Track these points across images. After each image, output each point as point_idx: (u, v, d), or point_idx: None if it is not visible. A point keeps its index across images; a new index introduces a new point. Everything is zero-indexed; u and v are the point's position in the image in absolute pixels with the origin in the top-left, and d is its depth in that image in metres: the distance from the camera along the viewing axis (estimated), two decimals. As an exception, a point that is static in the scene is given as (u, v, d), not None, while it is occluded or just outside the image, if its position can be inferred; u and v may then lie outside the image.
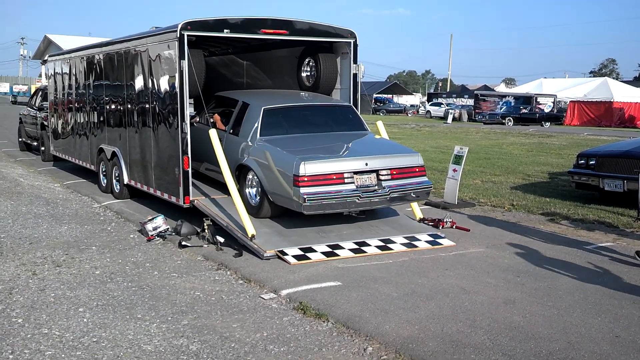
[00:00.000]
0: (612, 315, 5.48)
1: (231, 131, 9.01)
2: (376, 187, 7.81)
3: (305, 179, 7.37)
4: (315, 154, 7.98)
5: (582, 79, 62.22)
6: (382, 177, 7.88)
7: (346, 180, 7.62)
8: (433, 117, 53.59)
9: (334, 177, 7.58)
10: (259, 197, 8.22)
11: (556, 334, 5.05)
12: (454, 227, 8.74)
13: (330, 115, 9.55)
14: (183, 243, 7.87)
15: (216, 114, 9.77)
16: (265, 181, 7.97)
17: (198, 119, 9.72)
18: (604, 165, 10.67)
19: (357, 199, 7.61)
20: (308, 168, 7.40)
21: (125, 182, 10.75)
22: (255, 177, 8.19)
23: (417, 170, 8.21)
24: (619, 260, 7.29)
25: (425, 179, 8.30)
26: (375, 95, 63.00)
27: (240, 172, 8.53)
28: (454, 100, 54.93)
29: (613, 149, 11.33)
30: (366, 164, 7.83)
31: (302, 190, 7.34)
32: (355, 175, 7.70)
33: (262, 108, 8.67)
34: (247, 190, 8.43)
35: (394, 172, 7.99)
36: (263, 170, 8.04)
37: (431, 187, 8.45)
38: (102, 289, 6.24)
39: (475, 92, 54.67)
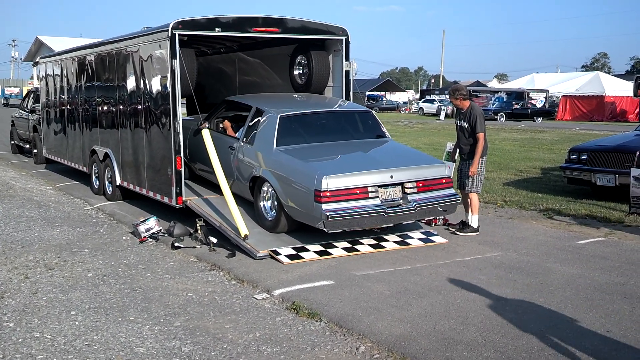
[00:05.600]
0: (603, 310, 5.50)
1: (244, 139, 8.54)
2: (401, 201, 7.38)
3: (328, 194, 6.91)
4: (337, 166, 7.55)
5: (574, 74, 62.34)
6: (407, 190, 7.45)
7: (370, 195, 7.19)
8: (426, 113, 53.63)
9: (358, 192, 7.12)
10: (275, 212, 7.79)
11: (548, 330, 5.07)
12: (446, 224, 8.75)
13: (349, 121, 9.08)
14: (176, 244, 7.86)
15: (226, 120, 9.49)
16: (282, 195, 7.52)
17: (208, 125, 9.34)
18: (595, 160, 10.70)
19: (383, 214, 7.17)
20: (330, 183, 6.96)
21: (117, 184, 10.73)
22: (271, 190, 7.77)
23: (443, 181, 7.77)
24: (611, 255, 7.32)
25: (452, 190, 7.87)
26: (368, 93, 63.01)
27: (255, 184, 8.13)
28: (447, 96, 54.93)
29: (604, 144, 11.37)
30: (391, 177, 7.37)
31: (324, 206, 6.89)
32: (379, 189, 7.26)
33: (279, 115, 8.19)
34: (261, 204, 8.02)
35: (420, 185, 7.54)
36: (280, 183, 7.57)
37: (459, 199, 8.00)
38: (95, 291, 6.23)
39: (467, 88, 54.65)
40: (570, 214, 9.62)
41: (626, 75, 61.08)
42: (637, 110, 40.47)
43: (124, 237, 8.52)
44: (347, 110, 9.27)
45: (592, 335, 4.96)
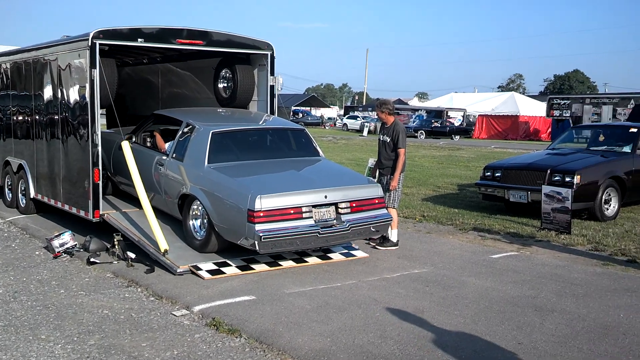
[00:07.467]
0: (515, 322, 5.72)
1: (174, 155, 8.25)
2: (335, 221, 7.28)
3: (261, 214, 6.75)
4: (271, 186, 7.33)
5: (490, 94, 64.93)
6: (341, 211, 7.35)
7: (304, 215, 7.04)
8: (350, 129, 54.43)
9: (292, 212, 6.98)
10: (204, 231, 7.54)
11: (462, 342, 5.22)
12: (367, 238, 8.88)
13: (282, 139, 8.95)
14: (92, 259, 7.63)
15: (157, 132, 9.15)
16: (213, 213, 7.28)
17: (134, 139, 9.12)
18: (509, 177, 11.15)
19: (317, 235, 7.06)
20: (264, 202, 6.80)
21: (31, 196, 10.35)
22: (201, 208, 7.52)
23: (376, 202, 7.73)
24: (523, 269, 7.62)
25: (384, 211, 7.85)
26: (293, 108, 63.39)
27: (184, 202, 7.87)
28: (370, 113, 55.95)
29: (517, 162, 11.88)
30: (325, 197, 7.25)
31: (258, 227, 6.72)
32: (313, 209, 7.13)
33: (211, 132, 7.94)
34: (190, 222, 7.74)
35: (354, 205, 7.46)
36: (211, 201, 7.34)
37: (391, 219, 8.02)
38: (5, 309, 5.96)
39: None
40: (484, 229, 9.97)
41: (540, 96, 64.05)
42: (549, 129, 42.42)
43: (37, 252, 8.21)
44: (281, 128, 9.13)
45: (504, 347, 5.14)
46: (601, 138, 12.42)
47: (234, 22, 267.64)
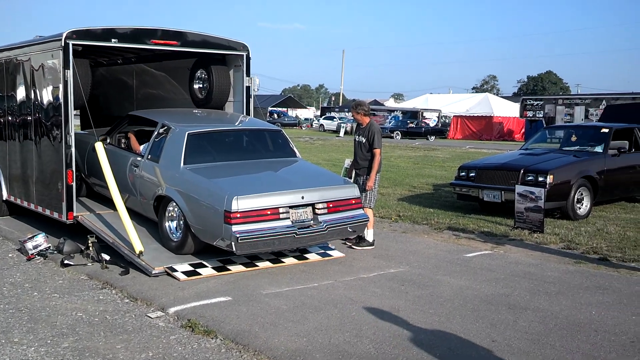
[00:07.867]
0: (489, 320, 5.79)
1: (149, 156, 8.19)
2: (312, 222, 7.27)
3: (238, 215, 6.72)
4: (247, 186, 7.31)
5: (464, 95, 65.55)
6: (318, 211, 7.35)
7: (281, 216, 7.02)
8: (326, 130, 54.53)
9: (269, 213, 6.96)
10: (180, 232, 7.49)
11: (437, 340, 5.27)
12: (343, 238, 8.91)
13: (259, 140, 8.92)
14: (65, 262, 7.55)
15: (131, 133, 9.06)
16: (189, 215, 7.23)
17: (109, 140, 9.01)
18: (483, 177, 11.27)
19: (294, 235, 7.05)
20: (241, 203, 6.76)
21: (4, 198, 10.22)
22: (177, 209, 7.47)
23: (353, 202, 7.75)
24: (497, 267, 7.71)
25: (361, 211, 7.86)
26: (270, 109, 63.35)
27: (160, 204, 7.81)
28: (346, 114, 56.09)
29: (491, 162, 12.01)
30: (302, 197, 7.25)
31: (234, 228, 6.70)
32: (290, 210, 7.13)
33: (186, 133, 7.90)
34: (166, 224, 7.68)
35: (330, 205, 7.47)
36: (187, 202, 7.29)
37: (368, 219, 8.07)
38: (-24, 312, 5.88)
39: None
40: (459, 228, 10.06)
41: (513, 97, 64.70)
42: (523, 130, 42.89)
43: (10, 255, 8.11)
44: (257, 129, 9.11)
45: (478, 344, 5.20)
46: (574, 138, 12.62)
47: (211, 22, 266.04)
